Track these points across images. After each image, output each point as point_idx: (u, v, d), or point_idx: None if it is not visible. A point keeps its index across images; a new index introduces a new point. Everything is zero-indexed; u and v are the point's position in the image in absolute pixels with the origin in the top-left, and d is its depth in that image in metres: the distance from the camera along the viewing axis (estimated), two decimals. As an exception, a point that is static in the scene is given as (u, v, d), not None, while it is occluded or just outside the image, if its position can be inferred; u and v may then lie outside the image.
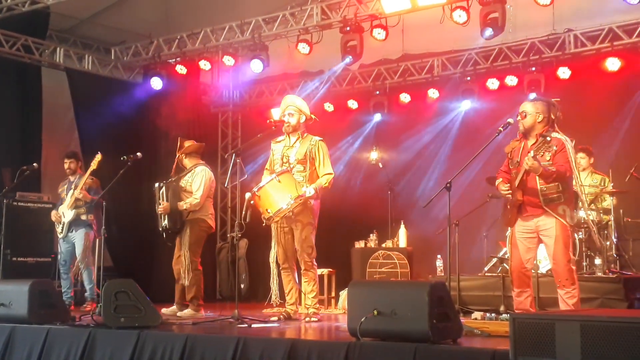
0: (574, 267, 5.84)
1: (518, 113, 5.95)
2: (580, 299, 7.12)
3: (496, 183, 6.09)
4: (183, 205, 7.75)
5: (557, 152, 5.72)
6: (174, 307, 7.91)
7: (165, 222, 7.74)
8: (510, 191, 5.87)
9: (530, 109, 5.89)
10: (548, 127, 5.86)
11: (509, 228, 6.09)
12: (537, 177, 5.72)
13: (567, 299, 5.76)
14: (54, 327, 6.07)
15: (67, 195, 8.64)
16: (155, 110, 11.47)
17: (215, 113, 13.11)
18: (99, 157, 8.37)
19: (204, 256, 11.59)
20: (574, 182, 5.99)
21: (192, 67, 11.20)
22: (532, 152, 5.64)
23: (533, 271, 6.56)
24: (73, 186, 8.59)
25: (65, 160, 8.79)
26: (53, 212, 8.76)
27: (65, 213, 8.57)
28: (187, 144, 8.12)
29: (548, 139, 5.66)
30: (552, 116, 5.90)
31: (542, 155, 5.70)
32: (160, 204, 7.75)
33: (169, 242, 7.94)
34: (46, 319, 6.25)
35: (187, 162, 8.04)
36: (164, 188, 7.78)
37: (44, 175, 10.48)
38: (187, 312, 7.72)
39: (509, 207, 5.95)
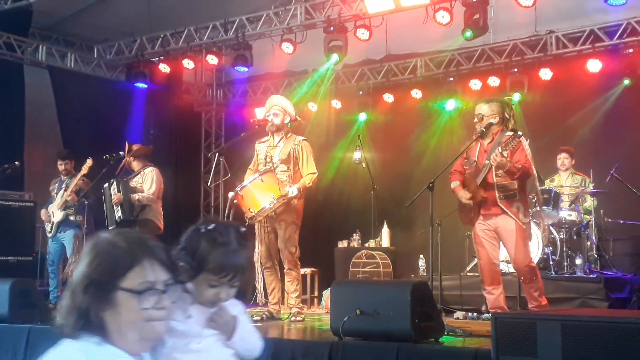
0: (533, 264, 6.02)
1: (475, 115, 6.06)
2: (561, 299, 7.22)
3: (452, 185, 6.16)
4: (136, 196, 7.91)
5: (515, 151, 5.81)
6: None
7: (119, 214, 7.87)
8: (471, 200, 5.96)
9: (486, 110, 6.02)
10: (503, 126, 5.99)
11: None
12: (494, 174, 5.81)
13: (532, 292, 5.92)
14: (35, 327, 6.04)
15: (57, 194, 8.59)
16: (138, 109, 11.43)
17: (198, 112, 13.08)
18: (89, 162, 8.26)
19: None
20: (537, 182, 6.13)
21: (175, 65, 11.15)
22: (499, 148, 5.71)
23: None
24: (64, 186, 8.54)
25: (60, 162, 8.70)
26: (43, 211, 8.71)
27: (54, 213, 8.53)
28: (135, 147, 8.29)
29: (519, 133, 5.76)
30: (507, 115, 6.03)
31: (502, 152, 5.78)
32: (112, 197, 7.91)
33: None
34: (27, 318, 6.22)
35: (135, 164, 8.22)
36: (114, 183, 7.95)
37: (26, 173, 10.40)
38: None
39: (469, 205, 6.04)
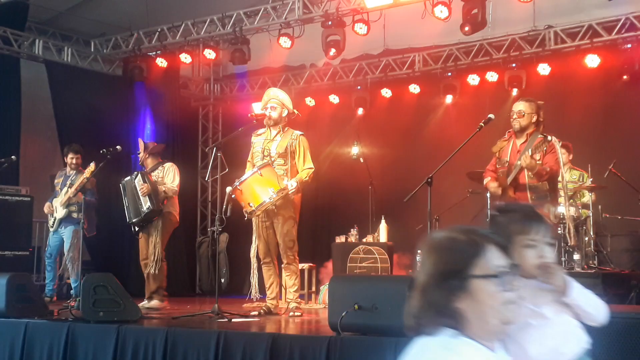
0: None
1: (514, 112, 6.07)
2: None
3: (485, 182, 6.24)
4: (162, 188, 7.96)
5: (547, 153, 5.93)
6: (145, 301, 7.89)
7: (148, 205, 7.83)
8: (500, 188, 6.00)
9: (528, 108, 6.09)
10: (536, 127, 6.08)
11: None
12: (526, 175, 5.89)
13: None
14: (32, 321, 6.03)
15: (61, 191, 8.58)
16: (135, 104, 11.39)
17: (195, 107, 13.05)
18: (92, 167, 8.02)
19: (184, 250, 11.63)
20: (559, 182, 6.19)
21: (172, 60, 11.12)
22: (529, 150, 5.84)
23: None
24: (69, 182, 8.53)
25: (73, 155, 8.75)
26: (47, 204, 8.72)
27: (57, 209, 8.55)
28: (150, 145, 8.44)
29: (549, 138, 5.83)
30: (540, 118, 6.11)
31: (533, 155, 5.90)
32: (136, 189, 7.86)
33: (137, 235, 8.03)
34: (24, 312, 6.20)
35: (149, 161, 8.31)
36: (139, 175, 7.95)
37: (22, 167, 10.37)
38: (155, 302, 7.76)
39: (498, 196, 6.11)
